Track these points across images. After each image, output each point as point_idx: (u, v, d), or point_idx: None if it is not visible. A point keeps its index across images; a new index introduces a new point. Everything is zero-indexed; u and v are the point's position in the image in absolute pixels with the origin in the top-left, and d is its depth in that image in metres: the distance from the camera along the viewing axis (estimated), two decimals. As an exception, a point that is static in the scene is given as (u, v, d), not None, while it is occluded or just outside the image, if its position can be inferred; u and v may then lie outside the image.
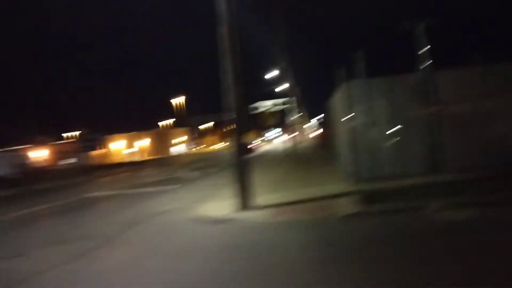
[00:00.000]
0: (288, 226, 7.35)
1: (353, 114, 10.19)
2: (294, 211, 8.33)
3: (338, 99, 11.39)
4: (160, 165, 38.69)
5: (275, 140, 65.28)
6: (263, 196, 10.40)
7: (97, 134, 43.04)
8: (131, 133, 79.15)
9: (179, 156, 60.91)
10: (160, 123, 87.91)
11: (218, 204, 10.06)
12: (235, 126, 8.77)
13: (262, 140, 65.06)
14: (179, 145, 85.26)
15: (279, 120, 23.93)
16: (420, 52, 8.90)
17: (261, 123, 24.71)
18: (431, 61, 8.48)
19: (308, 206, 8.56)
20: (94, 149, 43.16)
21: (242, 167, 8.83)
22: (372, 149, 10.06)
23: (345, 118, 10.32)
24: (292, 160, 22.48)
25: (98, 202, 14.47)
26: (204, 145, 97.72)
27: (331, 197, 8.92)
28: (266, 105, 39.37)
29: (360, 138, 10.18)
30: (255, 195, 10.08)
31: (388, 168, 9.97)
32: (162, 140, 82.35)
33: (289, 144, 30.65)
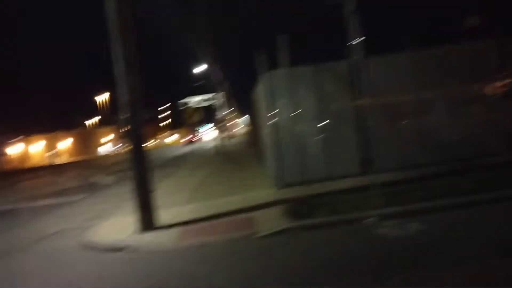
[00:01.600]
0: (197, 254, 5.78)
1: (276, 108, 8.84)
2: (208, 229, 6.79)
3: (259, 92, 10.00)
4: (80, 168, 35.37)
5: (203, 137, 64.36)
6: (175, 208, 8.79)
7: (2, 136, 38.39)
8: (52, 134, 73.26)
9: (103, 157, 57.11)
10: (85, 122, 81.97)
11: (119, 222, 8.27)
12: (129, 127, 7.00)
13: (195, 136, 63.91)
14: (105, 145, 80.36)
15: (205, 116, 22.56)
16: (349, 36, 7.75)
17: (186, 120, 22.98)
18: (362, 46, 7.37)
19: (225, 222, 7.07)
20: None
21: (141, 178, 7.10)
22: (298, 148, 8.78)
23: (267, 113, 8.93)
24: (217, 160, 20.93)
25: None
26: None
27: (254, 208, 7.50)
28: (194, 101, 37.49)
29: (284, 135, 8.85)
30: (168, 207, 8.56)
31: (316, 169, 8.74)
32: (86, 140, 77.16)
33: (217, 142, 29.05)
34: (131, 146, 7.09)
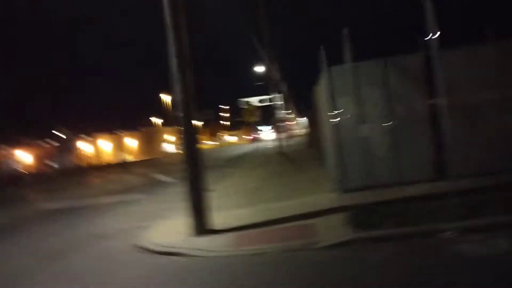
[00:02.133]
0: (250, 263, 5.33)
1: (338, 106, 8.18)
2: (263, 236, 6.32)
3: (320, 90, 9.38)
4: (144, 166, 36.58)
5: (262, 137, 64.51)
6: (231, 211, 8.45)
7: (75, 135, 40.85)
8: (119, 133, 77.17)
9: (167, 156, 58.95)
10: (149, 122, 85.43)
11: (173, 224, 8.06)
12: (182, 126, 6.71)
13: (254, 136, 64.31)
14: (168, 145, 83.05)
15: (264, 116, 22.35)
16: (422, 26, 6.93)
17: (245, 120, 22.90)
18: (438, 37, 6.50)
19: (283, 228, 6.58)
20: (73, 151, 40.93)
21: (194, 179, 6.79)
22: (363, 150, 8.07)
23: (329, 112, 8.30)
24: (276, 161, 20.44)
25: (43, 219, 12.32)
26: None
27: (314, 215, 6.93)
28: (253, 101, 37.41)
29: (348, 136, 8.16)
30: (223, 210, 8.31)
31: (383, 173, 7.97)
32: (152, 138, 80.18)
33: (276, 142, 28.63)
34: (184, 146, 6.81)
